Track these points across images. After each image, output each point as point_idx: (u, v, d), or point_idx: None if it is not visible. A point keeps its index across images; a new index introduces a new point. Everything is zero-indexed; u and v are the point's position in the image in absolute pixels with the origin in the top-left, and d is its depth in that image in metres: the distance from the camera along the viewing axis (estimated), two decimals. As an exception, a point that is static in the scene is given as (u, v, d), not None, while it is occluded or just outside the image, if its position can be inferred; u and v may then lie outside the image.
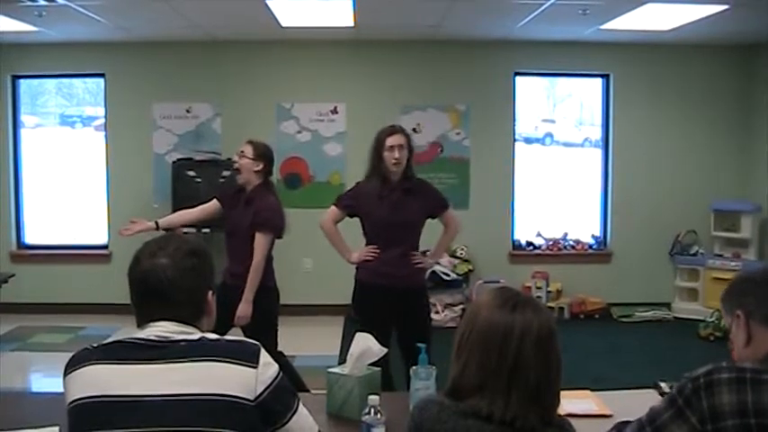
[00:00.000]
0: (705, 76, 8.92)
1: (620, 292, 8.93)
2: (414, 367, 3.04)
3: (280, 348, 5.13)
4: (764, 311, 2.26)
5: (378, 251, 4.94)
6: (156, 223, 5.14)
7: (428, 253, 5.23)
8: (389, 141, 4.83)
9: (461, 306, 8.33)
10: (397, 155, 4.81)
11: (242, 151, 5.08)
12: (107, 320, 7.47)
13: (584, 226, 9.44)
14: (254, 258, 4.95)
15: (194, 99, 8.78)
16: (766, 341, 2.24)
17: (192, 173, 8.23)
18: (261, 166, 5.07)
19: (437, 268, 8.17)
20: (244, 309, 4.95)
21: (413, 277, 5.02)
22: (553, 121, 13.62)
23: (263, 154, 5.10)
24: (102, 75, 8.89)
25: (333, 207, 5.09)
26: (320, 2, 6.72)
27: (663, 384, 3.21)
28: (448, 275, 8.36)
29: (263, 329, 4.85)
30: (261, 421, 2.03)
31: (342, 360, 3.32)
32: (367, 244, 5.03)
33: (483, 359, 1.90)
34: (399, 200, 4.88)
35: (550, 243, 9.20)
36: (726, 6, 6.55)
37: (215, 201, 5.27)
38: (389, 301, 4.89)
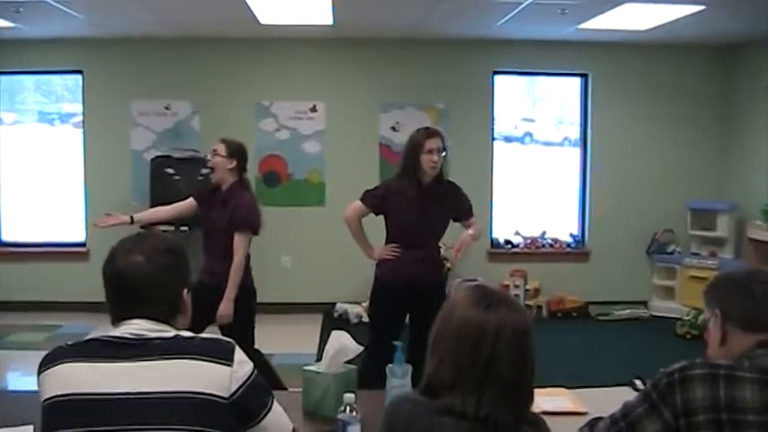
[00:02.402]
0: (683, 76, 8.98)
1: (598, 290, 8.98)
2: (389, 365, 3.04)
3: (257, 346, 5.13)
4: (741, 315, 2.28)
5: (399, 250, 4.95)
6: (131, 218, 5.15)
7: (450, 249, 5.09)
8: (429, 144, 4.78)
9: (440, 304, 8.32)
10: (435, 158, 4.76)
11: (215, 150, 5.07)
12: (85, 318, 7.43)
13: (562, 225, 9.48)
14: (234, 258, 4.95)
15: (173, 96, 8.75)
16: (740, 343, 2.26)
17: (170, 170, 8.20)
18: (234, 164, 5.06)
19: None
20: (225, 307, 4.94)
21: (430, 275, 5.04)
22: (533, 120, 13.63)
23: (237, 151, 5.09)
24: (80, 71, 8.84)
25: (358, 202, 5.05)
26: None
27: (638, 382, 3.23)
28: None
29: (240, 327, 4.86)
30: (235, 419, 2.03)
31: (319, 358, 3.32)
32: (388, 242, 5.03)
33: (457, 356, 1.92)
34: (429, 206, 4.87)
35: (529, 242, 9.23)
36: (703, 7, 6.60)
37: (191, 199, 5.26)
38: (406, 298, 4.95)
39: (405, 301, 4.98)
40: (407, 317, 5.09)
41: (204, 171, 5.25)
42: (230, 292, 4.95)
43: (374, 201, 5.01)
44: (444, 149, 4.87)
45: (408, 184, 4.85)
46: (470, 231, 5.02)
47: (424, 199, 4.86)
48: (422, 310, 4.98)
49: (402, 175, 4.92)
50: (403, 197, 4.85)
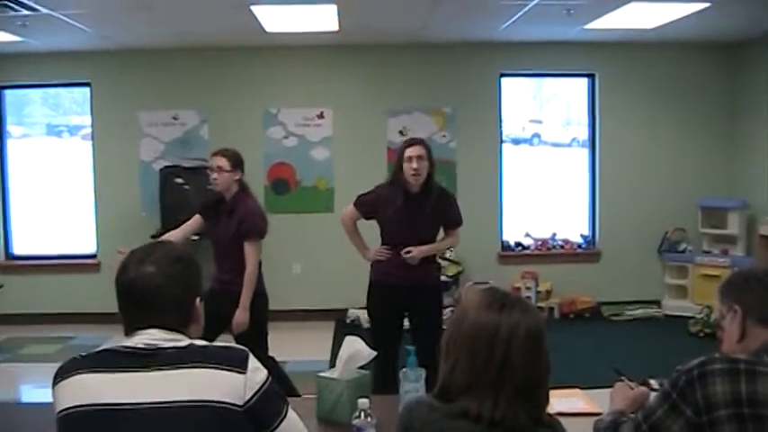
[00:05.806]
0: (690, 74, 8.95)
1: (610, 290, 8.95)
2: (403, 370, 3.04)
3: (271, 354, 5.14)
4: (762, 311, 2.28)
5: (390, 252, 5.01)
6: None
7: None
8: (408, 152, 4.88)
9: (451, 308, 8.32)
10: (415, 165, 4.84)
11: (219, 166, 5.05)
12: (97, 330, 7.44)
13: (572, 225, 9.46)
14: (247, 267, 4.98)
15: (181, 106, 8.76)
16: (760, 338, 2.27)
17: (179, 180, 8.20)
18: (239, 175, 5.10)
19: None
20: (241, 315, 4.96)
21: (423, 277, 5.07)
22: (540, 122, 13.63)
23: (239, 162, 5.12)
24: (87, 84, 8.87)
25: (352, 206, 5.20)
26: (304, 7, 6.72)
27: (621, 375, 3.12)
28: (438, 278, 8.35)
29: (254, 335, 4.87)
30: (250, 427, 2.03)
31: (332, 364, 3.32)
32: (382, 244, 5.10)
33: (471, 360, 1.90)
34: (415, 215, 4.94)
35: (539, 243, 9.21)
36: (707, 4, 6.58)
37: (197, 216, 5.26)
38: (399, 298, 5.01)
39: (398, 303, 5.04)
40: (407, 321, 5.15)
41: (210, 185, 5.22)
42: (245, 301, 4.98)
43: (364, 207, 5.15)
44: (429, 159, 4.94)
45: (396, 192, 4.95)
46: (437, 243, 5.14)
47: (411, 208, 4.93)
48: (417, 312, 5.09)
49: (391, 182, 5.04)
50: (391, 205, 4.94)
